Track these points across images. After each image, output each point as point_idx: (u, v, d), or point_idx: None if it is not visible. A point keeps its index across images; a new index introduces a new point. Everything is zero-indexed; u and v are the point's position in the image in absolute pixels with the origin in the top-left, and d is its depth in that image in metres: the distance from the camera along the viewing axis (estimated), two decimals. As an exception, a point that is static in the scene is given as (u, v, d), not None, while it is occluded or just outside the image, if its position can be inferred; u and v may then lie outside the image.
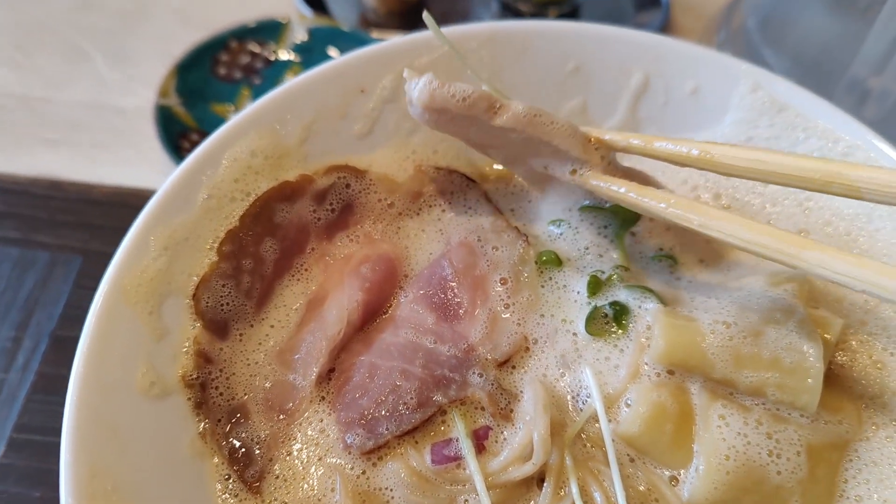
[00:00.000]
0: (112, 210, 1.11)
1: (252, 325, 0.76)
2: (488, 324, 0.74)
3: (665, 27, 1.32)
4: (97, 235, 1.08)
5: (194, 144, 0.77)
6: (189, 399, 0.71)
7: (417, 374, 0.71)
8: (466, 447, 0.67)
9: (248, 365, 0.74)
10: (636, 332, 0.72)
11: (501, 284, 0.77)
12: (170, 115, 1.15)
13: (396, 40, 0.87)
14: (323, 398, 0.73)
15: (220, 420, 0.71)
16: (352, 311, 0.74)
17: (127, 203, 1.10)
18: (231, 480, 0.69)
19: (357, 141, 0.86)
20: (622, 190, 0.72)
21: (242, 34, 1.25)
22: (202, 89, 1.20)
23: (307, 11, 1.34)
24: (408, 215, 0.84)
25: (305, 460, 0.70)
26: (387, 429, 0.69)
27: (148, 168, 1.16)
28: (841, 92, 1.04)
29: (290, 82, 0.83)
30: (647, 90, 0.89)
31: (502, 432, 0.70)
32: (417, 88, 0.71)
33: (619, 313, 0.73)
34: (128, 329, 0.69)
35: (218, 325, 0.74)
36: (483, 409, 0.71)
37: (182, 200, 0.75)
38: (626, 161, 0.78)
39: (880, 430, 0.70)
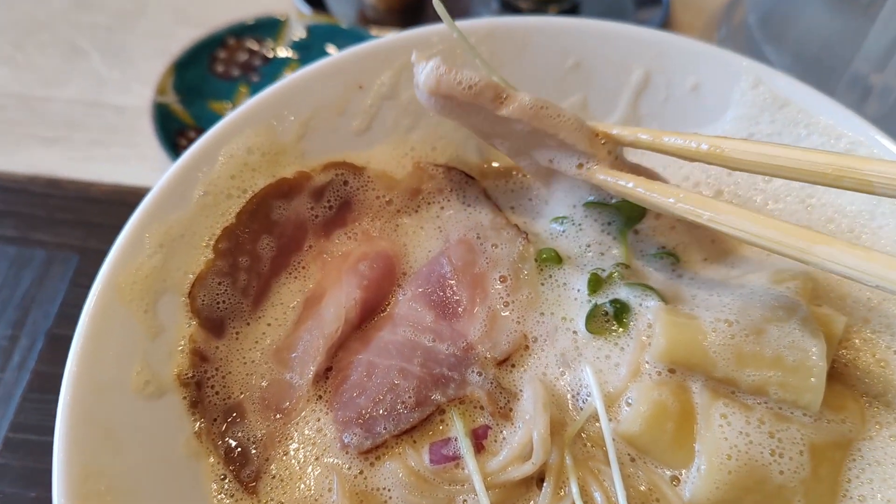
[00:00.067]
0: (110, 208, 1.10)
1: (248, 324, 0.75)
2: (487, 322, 0.74)
3: (665, 24, 1.31)
4: (95, 234, 1.08)
5: (192, 142, 0.77)
6: (184, 398, 0.70)
7: (416, 372, 0.70)
8: (465, 446, 0.67)
9: (245, 363, 0.73)
10: (637, 330, 0.72)
11: (501, 282, 0.76)
12: (167, 112, 1.14)
13: (395, 36, 0.86)
14: (320, 397, 0.72)
15: (215, 419, 0.70)
16: (349, 309, 0.74)
17: (125, 201, 1.09)
18: (227, 480, 0.68)
19: (355, 137, 0.86)
20: (630, 185, 0.71)
21: (240, 31, 1.25)
22: (200, 87, 1.20)
23: (305, 9, 1.33)
24: (406, 212, 0.83)
25: (302, 460, 0.69)
26: (385, 428, 0.68)
27: (146, 166, 1.16)
28: (842, 89, 1.03)
29: (288, 78, 0.82)
30: (647, 86, 0.88)
31: (501, 431, 0.69)
32: (424, 73, 0.71)
33: (620, 311, 0.73)
34: (122, 327, 0.68)
35: (214, 324, 0.73)
36: (482, 408, 0.70)
37: (178, 197, 0.74)
38: (632, 158, 0.78)
39: (884, 429, 0.70)
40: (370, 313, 0.76)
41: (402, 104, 0.86)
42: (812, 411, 0.67)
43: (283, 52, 1.26)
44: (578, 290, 0.76)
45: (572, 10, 1.35)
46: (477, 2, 1.39)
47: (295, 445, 0.70)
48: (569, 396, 0.71)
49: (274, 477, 0.68)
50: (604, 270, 0.76)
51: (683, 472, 0.67)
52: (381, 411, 0.69)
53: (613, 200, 0.77)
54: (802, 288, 0.72)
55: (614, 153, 0.75)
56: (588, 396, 0.70)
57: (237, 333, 0.75)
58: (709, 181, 0.85)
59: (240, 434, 0.70)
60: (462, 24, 0.87)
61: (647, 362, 0.70)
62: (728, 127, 0.86)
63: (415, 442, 0.69)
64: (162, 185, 0.74)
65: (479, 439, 0.69)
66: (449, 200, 0.83)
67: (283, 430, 0.70)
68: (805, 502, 0.65)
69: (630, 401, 0.68)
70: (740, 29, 1.19)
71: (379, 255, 0.78)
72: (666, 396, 0.67)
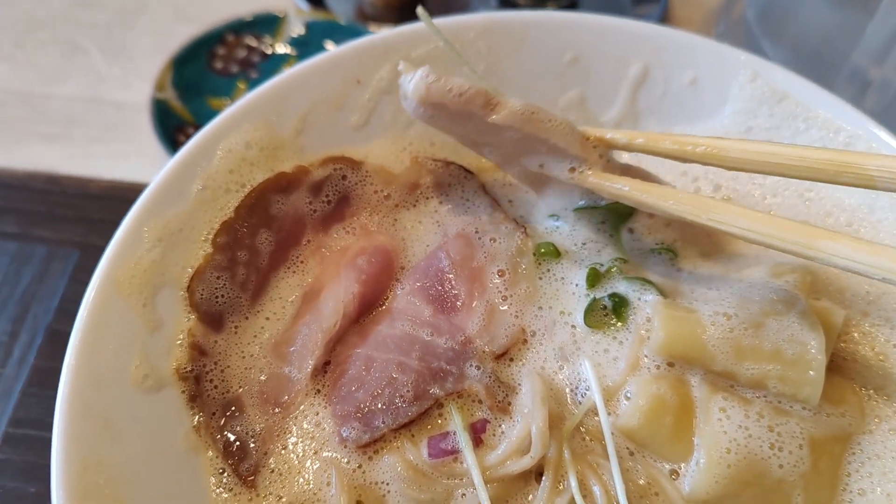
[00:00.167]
0: (109, 204, 1.10)
1: (247, 318, 0.75)
2: (486, 316, 0.74)
3: (664, 19, 1.31)
4: (95, 230, 1.08)
5: (191, 138, 0.77)
6: (183, 392, 0.70)
7: (414, 366, 0.70)
8: (464, 440, 0.67)
9: (243, 357, 0.73)
10: (636, 324, 0.72)
11: (499, 276, 0.76)
12: (166, 109, 1.14)
13: (393, 31, 0.86)
14: (318, 391, 0.72)
15: (214, 413, 0.70)
16: (348, 303, 0.74)
17: (124, 197, 1.08)
18: (225, 474, 0.68)
19: (353, 132, 0.86)
20: (626, 188, 0.71)
21: (239, 28, 1.25)
22: (198, 83, 1.20)
23: (304, 5, 1.33)
24: (404, 207, 0.83)
25: (301, 454, 0.69)
26: (383, 422, 0.68)
27: (145, 162, 1.16)
28: (841, 83, 1.03)
29: (286, 73, 0.82)
30: (645, 81, 0.88)
31: (500, 425, 0.69)
32: (413, 82, 0.70)
33: (619, 305, 0.73)
34: (121, 321, 0.68)
35: (213, 318, 0.73)
36: (480, 402, 0.70)
37: (176, 192, 0.74)
38: (623, 157, 0.78)
39: (883, 423, 0.70)
40: (368, 307, 0.76)
41: (400, 99, 0.86)
42: (811, 405, 0.67)
43: (282, 49, 1.26)
44: (577, 285, 0.76)
45: (571, 7, 1.35)
46: (476, -1, 1.39)
47: (293, 439, 0.70)
48: (567, 390, 0.71)
49: (272, 471, 0.68)
50: (602, 265, 0.76)
51: (682, 465, 0.66)
52: (379, 405, 0.69)
53: (603, 202, 0.77)
54: (801, 281, 0.72)
55: (605, 156, 0.75)
56: (587, 390, 0.69)
57: (236, 327, 0.74)
58: (707, 176, 0.85)
59: (238, 428, 0.70)
60: (459, 18, 0.87)
61: (646, 356, 0.70)
62: (726, 121, 0.86)
63: (413, 436, 0.69)
64: (160, 179, 0.74)
65: (478, 433, 0.68)
66: (447, 195, 0.83)
67: (281, 424, 0.70)
68: (804, 496, 0.65)
69: (629, 394, 0.68)
70: (739, 24, 1.19)
71: (377, 250, 0.78)
72: (665, 390, 0.67)
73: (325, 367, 0.73)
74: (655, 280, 0.74)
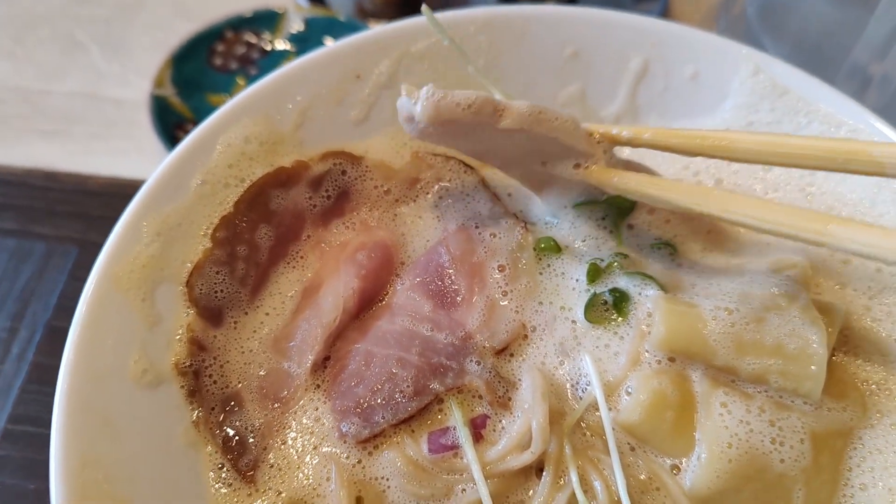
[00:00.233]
0: (108, 201, 1.10)
1: (246, 313, 0.75)
2: (486, 311, 0.73)
3: (664, 15, 1.31)
4: (93, 226, 1.08)
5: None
6: (182, 387, 0.70)
7: (414, 361, 0.70)
8: (464, 436, 0.67)
9: (243, 353, 0.73)
10: (636, 318, 0.71)
11: (499, 271, 0.76)
12: (165, 105, 1.14)
13: (392, 26, 0.86)
14: (318, 386, 0.72)
15: (213, 408, 0.70)
16: (347, 298, 0.74)
17: (123, 194, 1.07)
18: (225, 469, 0.68)
19: (353, 127, 0.85)
20: (632, 183, 0.70)
21: (238, 24, 1.25)
22: (198, 80, 1.20)
23: (303, 2, 1.33)
24: (404, 202, 0.83)
25: (300, 449, 0.69)
26: (383, 417, 0.68)
27: (144, 159, 1.16)
28: (842, 79, 1.03)
29: (285, 68, 0.82)
30: (646, 75, 0.88)
31: (500, 421, 0.69)
32: (420, 104, 0.68)
33: (619, 300, 0.72)
34: (120, 316, 0.68)
35: (212, 313, 0.73)
36: (481, 397, 0.70)
37: (175, 186, 0.74)
38: (624, 153, 0.78)
39: (885, 418, 0.69)
40: (368, 303, 0.76)
41: (399, 94, 0.86)
42: (813, 399, 0.67)
43: (281, 45, 1.26)
44: (577, 280, 0.76)
45: (571, 2, 1.34)
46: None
47: (293, 435, 0.70)
48: (568, 386, 0.70)
49: (272, 466, 0.68)
50: (602, 260, 0.76)
51: (684, 460, 0.66)
52: (379, 400, 0.68)
53: (603, 198, 0.77)
54: (802, 276, 0.71)
55: (609, 152, 0.75)
56: (587, 385, 0.69)
57: (235, 323, 0.74)
58: (709, 169, 0.84)
59: (238, 423, 0.69)
60: (460, 13, 0.86)
61: (647, 351, 0.69)
62: (727, 115, 0.85)
63: (413, 431, 0.68)
64: (159, 174, 0.74)
65: (478, 429, 0.68)
66: (447, 190, 0.83)
67: (281, 419, 0.70)
68: (806, 491, 0.65)
69: (629, 390, 0.68)
70: (739, 20, 1.18)
71: (377, 245, 0.78)
72: (666, 385, 0.67)
73: (325, 363, 0.73)
74: (656, 275, 0.74)
